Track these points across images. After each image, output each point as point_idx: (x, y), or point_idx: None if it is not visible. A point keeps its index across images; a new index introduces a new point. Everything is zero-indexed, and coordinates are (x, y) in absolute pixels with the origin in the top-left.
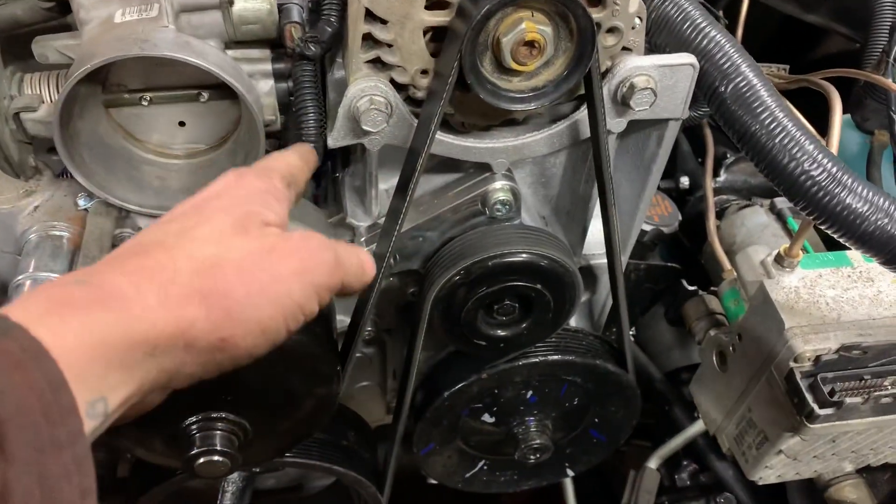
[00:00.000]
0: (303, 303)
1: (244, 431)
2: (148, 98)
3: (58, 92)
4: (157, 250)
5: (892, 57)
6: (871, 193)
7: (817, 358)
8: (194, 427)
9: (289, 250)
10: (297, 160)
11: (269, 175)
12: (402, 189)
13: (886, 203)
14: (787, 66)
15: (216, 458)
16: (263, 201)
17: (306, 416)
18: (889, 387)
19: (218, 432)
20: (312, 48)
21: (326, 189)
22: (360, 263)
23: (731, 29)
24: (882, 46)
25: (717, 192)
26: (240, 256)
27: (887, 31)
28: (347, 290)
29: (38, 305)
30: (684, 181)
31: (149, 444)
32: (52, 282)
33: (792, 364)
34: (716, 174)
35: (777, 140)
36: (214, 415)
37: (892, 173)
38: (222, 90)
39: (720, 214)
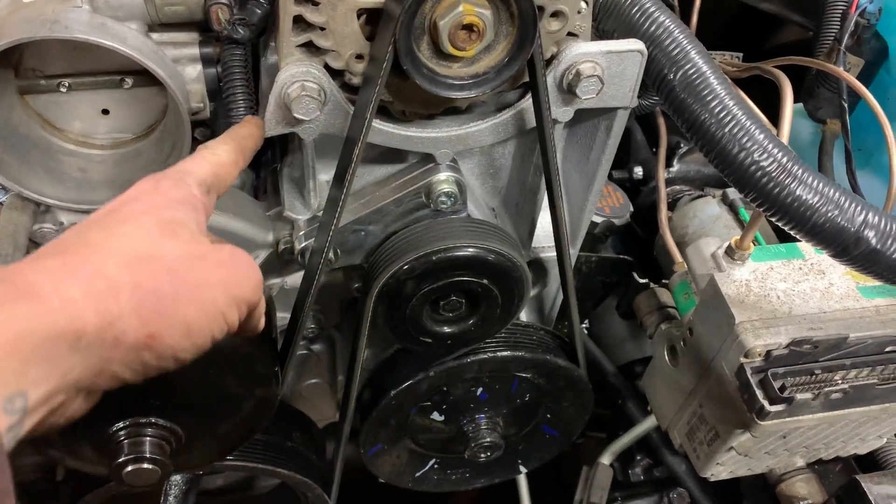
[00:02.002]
0: (227, 313)
1: (176, 437)
2: (67, 84)
3: None
4: (80, 248)
5: (843, 45)
6: (821, 185)
7: (768, 353)
8: (122, 433)
9: (218, 261)
10: (226, 156)
11: (187, 182)
12: (340, 180)
13: (837, 194)
14: (741, 55)
15: (146, 465)
16: (183, 211)
17: (246, 417)
18: (840, 381)
19: (147, 438)
20: (241, 31)
21: (265, 180)
22: None
23: (687, 16)
24: (833, 35)
25: (670, 182)
26: (171, 257)
27: (838, 20)
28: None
29: None
30: (638, 171)
31: (78, 453)
32: None
33: (742, 359)
34: (669, 164)
35: (727, 129)
36: (144, 420)
37: (843, 163)
38: (148, 76)
39: (673, 205)
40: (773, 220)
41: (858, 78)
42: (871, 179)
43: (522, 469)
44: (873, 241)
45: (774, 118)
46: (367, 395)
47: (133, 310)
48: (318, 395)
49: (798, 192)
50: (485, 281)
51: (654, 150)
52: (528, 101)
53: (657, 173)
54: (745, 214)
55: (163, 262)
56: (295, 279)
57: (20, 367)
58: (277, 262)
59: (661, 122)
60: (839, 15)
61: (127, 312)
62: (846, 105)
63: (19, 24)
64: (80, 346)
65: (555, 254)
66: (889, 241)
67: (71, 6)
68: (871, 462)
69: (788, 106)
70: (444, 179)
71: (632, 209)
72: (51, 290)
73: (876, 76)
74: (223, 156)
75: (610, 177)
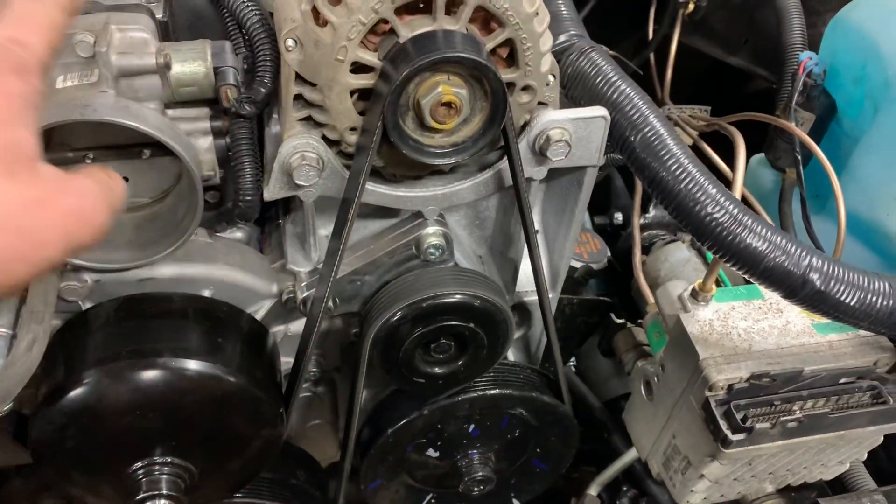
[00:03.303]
0: (58, 262)
1: (190, 474)
2: (91, 156)
3: None
4: None
5: (793, 103)
6: (769, 233)
7: (730, 386)
8: (140, 472)
9: (62, 209)
10: (59, 15)
11: (28, 67)
12: (337, 236)
13: (784, 241)
14: (709, 108)
15: (163, 501)
16: (25, 116)
17: (252, 456)
18: (797, 411)
19: (164, 476)
20: (248, 108)
21: (270, 235)
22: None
23: (661, 70)
24: (788, 91)
25: (646, 227)
26: (6, 213)
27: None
28: None
29: None
30: (618, 216)
31: (98, 491)
32: None
33: (707, 393)
34: (645, 210)
35: (682, 185)
36: (160, 460)
37: (799, 208)
38: (164, 148)
39: (648, 249)
40: (728, 265)
41: (811, 131)
42: (827, 224)
43: (515, 502)
44: (818, 283)
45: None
46: (366, 434)
47: None
48: (322, 435)
49: (748, 240)
50: (471, 325)
51: (631, 196)
52: (506, 163)
53: (633, 219)
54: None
55: None
56: (297, 326)
57: None
58: (281, 311)
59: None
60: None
61: None
62: (799, 157)
63: (54, 108)
64: None
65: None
66: (832, 283)
67: (98, 91)
68: (842, 487)
69: (741, 161)
70: (432, 233)
71: (609, 254)
72: None
73: (828, 129)
74: (56, 15)
75: (592, 222)
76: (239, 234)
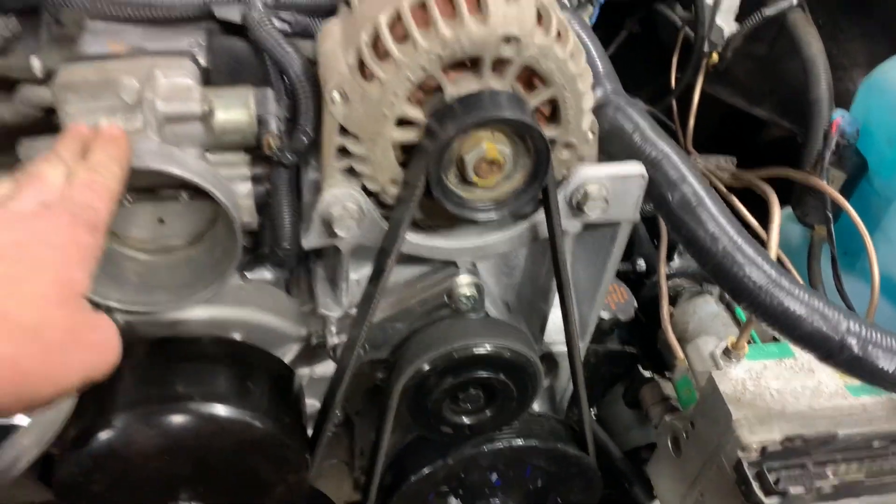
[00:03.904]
0: (73, 391)
1: None
2: (130, 199)
3: None
4: None
5: (826, 162)
6: (808, 296)
7: (763, 448)
8: None
9: (91, 343)
10: (118, 189)
11: (99, 229)
12: (372, 285)
13: (822, 305)
14: (735, 159)
15: None
16: (87, 263)
17: (277, 499)
18: (830, 475)
19: None
20: (290, 157)
21: (299, 277)
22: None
23: (684, 119)
24: (818, 149)
25: (670, 276)
26: (52, 335)
27: (822, 137)
28: None
29: None
30: (641, 264)
31: None
32: None
33: (740, 454)
34: (669, 259)
35: (720, 246)
36: (189, 503)
37: (829, 265)
38: (202, 191)
39: (674, 299)
40: (764, 326)
41: (841, 189)
42: (855, 283)
43: None
44: (856, 349)
45: (764, 219)
46: (388, 479)
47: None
48: (337, 475)
49: (787, 304)
50: (501, 376)
51: (654, 241)
52: (541, 214)
53: (658, 269)
54: (741, 313)
55: (44, 341)
56: (322, 369)
57: None
58: (307, 354)
59: (662, 219)
60: (822, 133)
61: None
62: (831, 217)
63: None
64: None
65: (565, 348)
66: (869, 348)
67: (143, 137)
68: None
69: (776, 222)
70: (464, 284)
71: (636, 305)
72: None
73: (858, 187)
74: (117, 190)
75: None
76: (268, 275)
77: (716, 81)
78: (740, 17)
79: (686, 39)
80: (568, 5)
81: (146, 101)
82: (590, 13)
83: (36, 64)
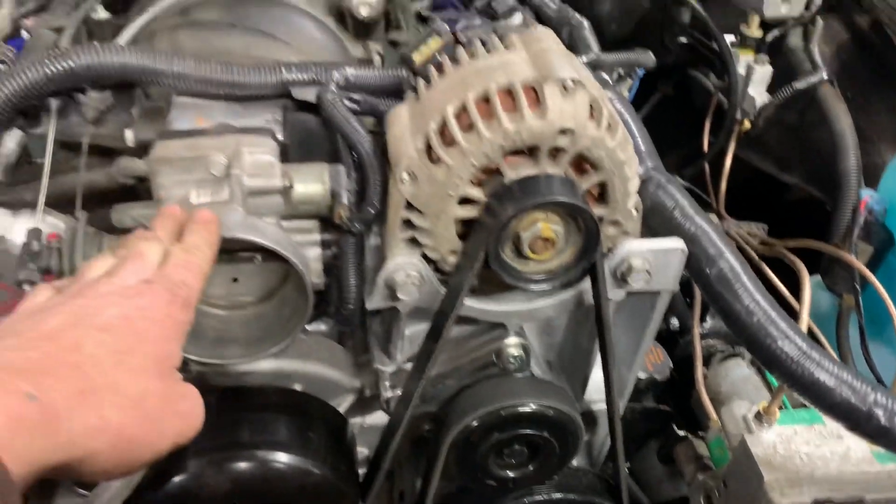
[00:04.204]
0: (164, 455)
1: None
2: None
3: None
4: (94, 372)
5: (854, 237)
6: (837, 368)
7: None
8: None
9: (181, 412)
10: (209, 270)
11: (192, 304)
12: (429, 344)
13: (850, 377)
14: (766, 226)
15: None
16: (180, 338)
17: None
18: None
19: None
20: (357, 226)
21: (353, 330)
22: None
23: (716, 183)
24: (846, 222)
25: (703, 336)
26: (152, 403)
27: (850, 212)
28: None
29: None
30: (674, 322)
31: None
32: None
33: None
34: (702, 319)
35: (754, 319)
36: None
37: (857, 334)
38: (275, 255)
39: (707, 359)
40: (795, 394)
41: (869, 261)
42: (883, 350)
43: None
44: (882, 419)
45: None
46: None
47: (105, 449)
48: None
49: (817, 375)
50: (545, 433)
51: (687, 300)
52: (587, 283)
53: (692, 330)
54: (772, 378)
55: (145, 410)
56: (373, 419)
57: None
58: (360, 404)
59: (699, 290)
60: (852, 203)
61: (101, 450)
62: (858, 289)
63: None
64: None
65: (604, 406)
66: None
67: (229, 209)
68: None
69: (807, 295)
70: (513, 344)
71: (671, 365)
72: (66, 419)
73: (885, 260)
74: (208, 270)
75: None
76: (323, 327)
77: (747, 146)
78: (772, 88)
79: (719, 105)
80: (609, 82)
81: (233, 176)
82: (629, 86)
83: (129, 136)
